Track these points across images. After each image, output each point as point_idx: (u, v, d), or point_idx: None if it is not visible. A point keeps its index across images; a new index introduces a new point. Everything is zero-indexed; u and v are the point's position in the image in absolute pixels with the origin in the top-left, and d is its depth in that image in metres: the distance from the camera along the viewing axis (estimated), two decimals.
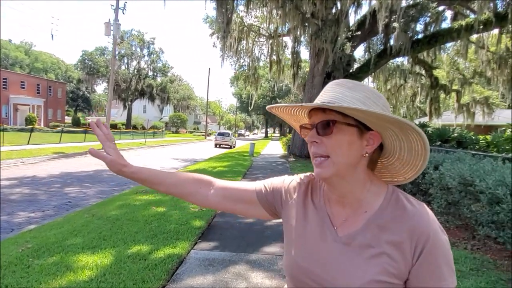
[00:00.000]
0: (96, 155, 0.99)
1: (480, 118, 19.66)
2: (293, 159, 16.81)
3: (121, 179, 9.41)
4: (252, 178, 10.48)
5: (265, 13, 18.01)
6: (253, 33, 19.11)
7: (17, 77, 43.10)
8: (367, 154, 0.82)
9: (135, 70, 53.52)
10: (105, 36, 21.59)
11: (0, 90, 37.86)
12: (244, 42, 18.79)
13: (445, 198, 4.96)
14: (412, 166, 0.87)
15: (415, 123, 0.81)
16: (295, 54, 17.18)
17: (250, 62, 20.12)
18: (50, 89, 47.14)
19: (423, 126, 11.95)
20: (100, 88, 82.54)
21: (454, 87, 19.20)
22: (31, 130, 21.77)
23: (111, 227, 4.55)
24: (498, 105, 22.75)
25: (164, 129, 54.54)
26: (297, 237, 0.90)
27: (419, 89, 20.27)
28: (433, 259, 0.75)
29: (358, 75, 15.94)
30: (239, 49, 18.57)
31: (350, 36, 15.07)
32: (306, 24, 14.56)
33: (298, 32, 15.43)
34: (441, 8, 15.23)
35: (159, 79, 56.99)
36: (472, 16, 13.87)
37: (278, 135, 75.27)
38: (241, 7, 17.96)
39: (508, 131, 10.00)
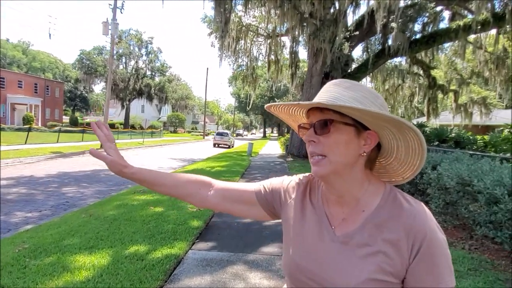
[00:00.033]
0: (96, 155, 1.00)
1: (477, 118, 19.70)
2: (291, 159, 16.81)
3: (119, 179, 9.38)
4: (250, 178, 10.47)
5: (263, 12, 18.00)
6: (251, 33, 19.10)
7: (15, 76, 42.92)
8: (364, 154, 0.82)
9: (133, 70, 53.42)
10: (103, 36, 21.54)
11: None
12: (242, 41, 18.77)
13: (443, 198, 4.97)
14: (410, 166, 0.87)
15: (413, 123, 0.82)
16: (293, 54, 17.18)
17: (248, 62, 20.10)
18: (47, 89, 46.97)
19: (421, 126, 11.99)
20: (98, 87, 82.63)
21: (452, 87, 19.23)
22: (29, 130, 21.71)
23: (108, 227, 4.53)
24: (495, 105, 22.81)
25: (162, 128, 54.46)
26: (295, 236, 0.91)
27: (417, 89, 20.29)
28: (430, 257, 0.75)
29: (356, 75, 15.95)
30: (237, 48, 18.57)
31: (348, 36, 15.06)
32: (304, 24, 14.55)
33: (296, 32, 15.42)
34: (439, 8, 15.26)
35: (157, 79, 56.92)
36: (470, 16, 13.90)
37: (276, 135, 75.34)
38: (239, 7, 17.98)
39: (506, 131, 10.03)
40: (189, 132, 64.76)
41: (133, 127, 47.79)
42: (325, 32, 13.59)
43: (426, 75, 18.57)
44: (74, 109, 74.30)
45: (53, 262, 3.31)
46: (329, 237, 0.85)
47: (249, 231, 4.91)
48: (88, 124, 41.60)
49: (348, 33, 15.06)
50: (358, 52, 27.52)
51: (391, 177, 0.93)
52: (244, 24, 18.36)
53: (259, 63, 22.58)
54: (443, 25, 15.87)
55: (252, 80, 21.08)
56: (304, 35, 15.52)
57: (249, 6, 16.73)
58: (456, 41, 15.24)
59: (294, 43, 16.92)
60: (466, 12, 14.70)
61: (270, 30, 18.06)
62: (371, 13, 13.52)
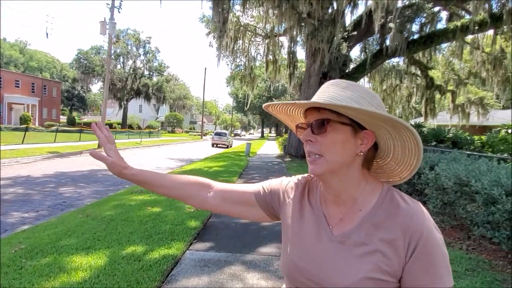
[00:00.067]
0: (97, 156, 1.01)
1: (475, 119, 19.75)
2: (289, 159, 16.81)
3: (116, 179, 9.35)
4: (248, 178, 10.46)
5: (261, 12, 17.98)
6: (249, 33, 19.08)
7: (12, 76, 42.78)
8: (361, 153, 0.83)
9: (131, 70, 53.30)
10: (100, 35, 21.40)
11: None
12: (240, 41, 18.78)
13: (441, 199, 4.97)
14: (407, 165, 0.87)
15: (410, 123, 0.82)
16: (291, 54, 17.18)
17: (246, 62, 20.10)
18: (45, 88, 46.85)
19: (418, 126, 12.01)
20: (96, 87, 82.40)
21: (449, 88, 19.28)
22: (26, 130, 21.62)
23: (105, 227, 4.51)
24: (492, 105, 22.90)
25: (160, 128, 54.34)
26: (294, 236, 0.91)
27: (414, 89, 20.32)
28: (426, 256, 0.75)
29: (354, 75, 15.95)
30: (235, 48, 18.56)
31: (346, 36, 15.08)
32: (303, 24, 14.54)
33: (295, 32, 15.40)
34: (436, 8, 15.28)
35: (155, 79, 56.84)
36: (468, 17, 13.93)
37: (274, 135, 75.32)
38: (237, 7, 17.97)
39: (503, 131, 10.06)
40: (187, 132, 64.67)
41: (130, 127, 47.62)
42: (323, 32, 13.59)
43: (423, 76, 18.61)
44: (71, 109, 74.09)
45: (50, 262, 3.29)
46: (326, 237, 0.85)
47: (247, 231, 4.90)
48: (86, 124, 41.53)
49: (346, 33, 15.08)
50: (356, 52, 27.69)
51: (389, 177, 0.93)
52: (242, 24, 18.36)
53: (257, 63, 22.59)
54: (441, 25, 15.93)
55: (250, 80, 21.06)
56: (302, 35, 15.51)
57: (247, 6, 16.71)
58: (454, 42, 15.28)
59: (292, 43, 16.91)
60: (463, 12, 14.73)
61: (268, 30, 18.05)
62: (369, 13, 13.52)
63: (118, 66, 52.72)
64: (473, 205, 4.18)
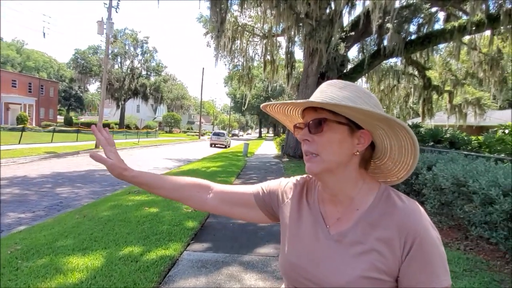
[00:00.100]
0: (97, 158, 1.00)
1: (472, 119, 19.80)
2: (287, 159, 16.81)
3: (113, 180, 9.32)
4: (246, 178, 10.45)
5: (259, 13, 17.99)
6: (247, 33, 19.06)
7: (9, 75, 42.53)
8: (358, 153, 0.83)
9: (129, 69, 53.12)
10: (98, 35, 21.39)
11: None
12: (238, 41, 18.73)
13: (438, 199, 4.98)
14: (404, 165, 0.88)
15: (408, 124, 0.81)
16: (289, 54, 17.16)
17: (244, 62, 20.06)
18: (42, 88, 46.64)
19: (416, 126, 12.03)
20: (93, 87, 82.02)
21: (447, 88, 19.32)
22: (23, 130, 21.54)
23: (102, 228, 4.49)
24: (489, 106, 22.95)
25: (157, 129, 54.24)
26: (291, 236, 0.92)
27: (412, 89, 20.36)
28: (423, 255, 0.75)
29: (352, 76, 15.98)
30: (233, 48, 18.51)
31: (344, 36, 15.09)
32: (300, 24, 14.55)
33: (292, 32, 15.41)
34: (434, 9, 15.33)
35: (152, 79, 56.63)
36: (465, 17, 13.97)
37: (272, 135, 75.29)
38: (235, 7, 17.90)
39: (500, 131, 10.09)
40: (184, 132, 64.55)
41: (128, 127, 47.49)
42: (321, 33, 13.60)
43: (421, 76, 18.65)
44: (68, 109, 73.82)
45: (46, 263, 3.26)
46: (323, 236, 0.86)
47: (245, 232, 4.89)
48: (83, 124, 41.40)
49: (344, 33, 15.10)
50: (353, 53, 27.74)
51: (386, 177, 0.94)
52: (240, 24, 18.33)
53: (255, 63, 22.55)
54: (438, 26, 16.00)
55: (248, 80, 21.04)
56: (300, 35, 15.53)
57: (245, 6, 16.71)
58: (451, 42, 15.33)
59: (290, 43, 16.90)
60: (460, 13, 14.78)
61: (266, 30, 18.04)
62: (367, 14, 13.53)
63: (116, 66, 52.54)
64: (471, 205, 4.19)
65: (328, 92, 0.82)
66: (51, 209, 6.26)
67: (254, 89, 28.49)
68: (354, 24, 15.37)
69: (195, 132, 63.58)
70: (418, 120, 19.37)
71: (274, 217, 1.02)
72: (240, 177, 10.62)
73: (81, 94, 76.97)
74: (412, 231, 0.76)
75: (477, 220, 3.99)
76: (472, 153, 6.92)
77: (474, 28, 13.01)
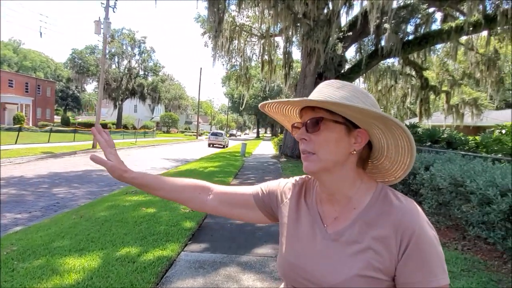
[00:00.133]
0: (97, 161, 1.00)
1: (469, 119, 19.85)
2: (285, 159, 16.81)
3: (111, 180, 9.29)
4: (244, 178, 10.44)
5: (257, 13, 17.97)
6: (245, 33, 19.06)
7: (5, 75, 42.34)
8: (355, 152, 0.84)
9: (126, 69, 52.97)
10: (95, 35, 21.28)
11: None
12: (236, 41, 18.73)
13: (436, 199, 4.98)
14: (401, 164, 0.88)
15: (405, 124, 0.81)
16: (287, 54, 17.18)
17: (242, 62, 20.06)
18: (39, 88, 46.49)
19: (413, 126, 12.05)
20: (90, 87, 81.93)
21: (444, 88, 19.38)
22: (19, 130, 21.43)
23: (99, 228, 4.47)
24: (486, 106, 23.02)
25: (155, 129, 54.17)
26: (290, 236, 0.92)
27: (409, 90, 20.41)
28: (419, 253, 0.74)
29: (350, 76, 16.00)
30: (230, 48, 18.52)
31: (341, 36, 15.10)
32: (298, 24, 14.55)
33: (290, 32, 15.42)
34: (431, 9, 15.37)
35: (150, 79, 56.52)
36: (462, 18, 14.02)
37: (270, 135, 75.35)
38: (233, 7, 17.91)
39: (497, 132, 10.12)
40: (182, 132, 64.46)
41: (125, 127, 47.43)
42: (319, 33, 13.61)
43: (418, 76, 18.70)
44: (65, 109, 73.60)
45: (42, 264, 3.24)
46: (321, 236, 0.86)
47: (242, 232, 4.88)
48: (80, 124, 41.26)
49: (342, 33, 15.11)
50: (351, 53, 27.80)
51: (384, 177, 0.94)
52: (238, 24, 18.33)
53: (253, 63, 22.57)
54: (435, 26, 15.98)
55: (245, 80, 21.04)
56: (298, 35, 15.52)
57: (243, 6, 16.68)
58: (448, 43, 15.37)
59: (288, 44, 16.92)
60: (458, 13, 14.82)
61: (264, 30, 18.04)
62: (365, 14, 13.57)
63: (113, 66, 52.37)
64: (468, 206, 4.19)
65: (326, 91, 0.83)
66: (47, 210, 6.22)
67: (251, 89, 28.54)
68: (352, 24, 15.39)
69: (192, 132, 63.46)
70: (415, 120, 19.42)
71: (274, 217, 1.03)
72: (238, 177, 10.60)
73: (78, 94, 76.71)
74: (408, 229, 0.76)
75: (474, 220, 3.99)
76: (470, 153, 6.94)
77: (471, 28, 13.06)
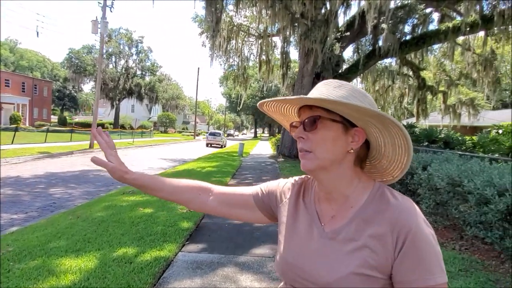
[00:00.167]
0: (98, 162, 1.01)
1: (466, 119, 19.92)
2: (282, 159, 16.81)
3: (108, 180, 9.26)
4: (241, 178, 10.43)
5: (254, 13, 17.95)
6: (243, 33, 19.04)
7: (2, 75, 42.05)
8: (352, 151, 0.84)
9: (123, 69, 52.81)
10: (92, 34, 21.20)
11: None
12: (234, 41, 18.72)
13: (434, 199, 4.99)
14: (398, 163, 0.88)
15: (402, 124, 0.82)
16: (285, 54, 17.18)
17: (240, 62, 20.04)
18: (35, 88, 46.26)
19: (410, 126, 12.08)
20: (87, 87, 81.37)
21: (441, 88, 19.44)
22: (16, 129, 21.34)
23: (96, 229, 4.44)
24: (483, 106, 23.09)
25: (152, 128, 54.03)
26: (288, 236, 0.93)
27: (406, 90, 20.46)
28: (415, 251, 0.74)
29: (347, 76, 16.00)
30: (228, 48, 18.50)
31: (339, 36, 15.12)
32: (296, 24, 14.54)
33: (288, 32, 15.40)
34: (428, 10, 15.42)
35: (147, 78, 56.35)
36: (459, 18, 14.06)
37: (267, 135, 75.31)
38: (230, 7, 17.92)
39: (493, 132, 10.15)
40: (179, 132, 64.41)
41: (123, 127, 47.22)
42: (316, 33, 13.61)
43: (415, 76, 18.75)
44: (62, 109, 73.30)
45: (38, 265, 3.22)
46: (318, 234, 0.86)
47: (240, 232, 4.86)
48: (77, 124, 41.11)
49: (339, 33, 15.13)
50: (349, 53, 27.80)
51: (382, 177, 0.94)
52: (235, 24, 18.31)
53: (250, 63, 22.56)
54: (433, 26, 16.02)
55: (243, 80, 21.02)
56: (296, 35, 15.51)
57: (240, 6, 16.68)
58: (445, 43, 15.42)
59: (285, 44, 16.92)
60: (455, 14, 14.87)
61: (261, 30, 18.03)
62: (362, 14, 13.57)
63: (110, 66, 52.19)
64: (466, 205, 4.20)
65: (323, 90, 0.83)
66: (44, 210, 6.19)
67: (249, 89, 28.52)
68: (349, 25, 15.41)
69: (190, 132, 63.39)
70: (412, 120, 19.48)
71: (273, 217, 1.03)
72: (236, 177, 10.59)
73: (75, 94, 76.47)
74: (404, 227, 0.75)
75: (472, 220, 4.00)
76: (467, 153, 6.96)
77: (468, 29, 13.09)
